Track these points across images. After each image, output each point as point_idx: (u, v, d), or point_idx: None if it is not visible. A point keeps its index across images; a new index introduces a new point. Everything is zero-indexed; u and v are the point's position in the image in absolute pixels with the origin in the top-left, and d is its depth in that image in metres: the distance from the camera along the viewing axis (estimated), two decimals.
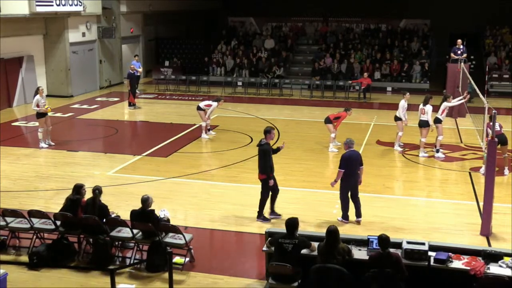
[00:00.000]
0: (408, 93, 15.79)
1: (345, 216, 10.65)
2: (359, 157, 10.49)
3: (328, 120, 15.67)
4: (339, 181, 10.48)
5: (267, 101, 24.11)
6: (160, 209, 9.51)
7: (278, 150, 10.92)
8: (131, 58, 24.79)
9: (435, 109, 15.28)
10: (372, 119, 19.99)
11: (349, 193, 10.54)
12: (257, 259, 8.96)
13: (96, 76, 26.19)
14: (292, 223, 7.81)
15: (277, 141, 16.81)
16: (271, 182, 10.50)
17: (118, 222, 9.23)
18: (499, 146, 12.08)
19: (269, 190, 10.60)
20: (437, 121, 15.06)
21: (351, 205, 10.63)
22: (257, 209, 10.70)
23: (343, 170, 10.30)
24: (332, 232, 7.52)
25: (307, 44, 30.92)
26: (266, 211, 10.79)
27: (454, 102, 16.44)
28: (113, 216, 9.38)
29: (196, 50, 30.63)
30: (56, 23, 23.36)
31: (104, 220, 9.14)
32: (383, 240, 7.37)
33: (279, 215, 10.80)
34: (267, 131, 10.67)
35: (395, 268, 7.21)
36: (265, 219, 10.66)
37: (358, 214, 10.64)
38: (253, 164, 14.35)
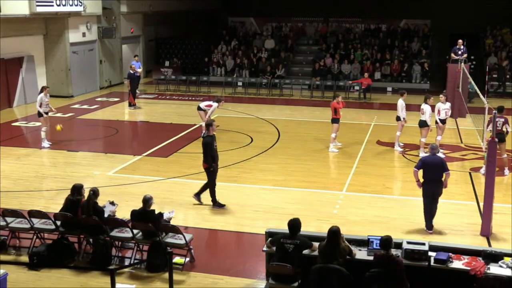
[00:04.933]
0: (405, 93, 15.80)
1: (427, 226, 10.24)
2: (441, 163, 10.12)
3: (333, 120, 15.58)
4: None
5: (268, 101, 24.09)
6: (168, 211, 9.50)
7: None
8: (131, 58, 24.76)
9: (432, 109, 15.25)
10: (372, 119, 19.98)
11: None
12: (257, 259, 8.95)
13: (96, 76, 26.17)
14: (294, 224, 7.79)
15: (277, 141, 16.87)
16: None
17: (118, 222, 9.23)
18: None
19: (214, 178, 11.30)
20: (442, 121, 15.07)
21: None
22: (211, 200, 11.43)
23: (417, 170, 10.12)
24: (334, 232, 7.49)
25: (307, 44, 30.89)
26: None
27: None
28: (111, 205, 9.70)
29: (196, 50, 30.62)
30: (56, 23, 23.34)
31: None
32: (384, 241, 7.35)
33: (201, 202, 11.51)
34: (210, 124, 11.53)
35: (396, 272, 7.19)
36: (220, 205, 11.36)
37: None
38: (253, 164, 14.43)
